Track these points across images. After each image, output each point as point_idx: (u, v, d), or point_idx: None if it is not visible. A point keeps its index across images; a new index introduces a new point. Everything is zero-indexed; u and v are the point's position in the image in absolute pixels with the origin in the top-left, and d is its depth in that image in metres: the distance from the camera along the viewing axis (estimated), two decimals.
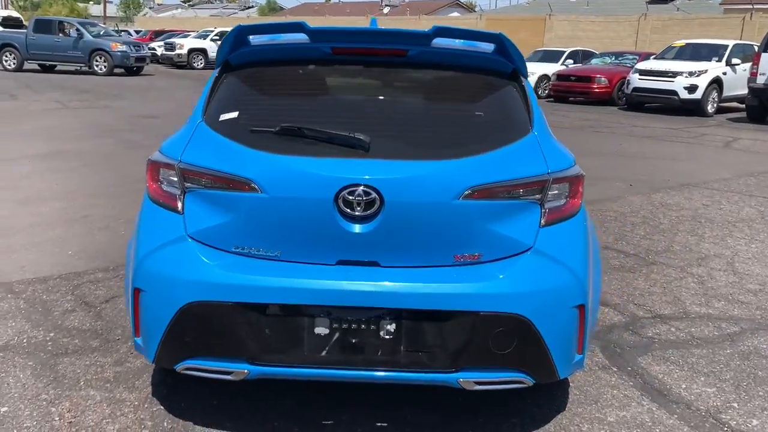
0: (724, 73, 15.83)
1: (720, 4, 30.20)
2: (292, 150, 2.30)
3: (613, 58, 19.83)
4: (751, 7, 27.41)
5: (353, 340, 2.30)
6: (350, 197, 2.22)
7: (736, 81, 15.96)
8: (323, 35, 2.53)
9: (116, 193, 6.21)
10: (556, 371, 2.37)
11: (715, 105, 15.89)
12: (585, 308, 2.39)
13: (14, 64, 22.96)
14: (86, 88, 17.61)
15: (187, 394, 2.79)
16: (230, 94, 2.59)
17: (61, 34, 22.93)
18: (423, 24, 33.25)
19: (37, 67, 23.91)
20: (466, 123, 2.54)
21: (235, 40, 2.58)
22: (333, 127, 2.34)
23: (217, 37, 29.45)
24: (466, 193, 2.25)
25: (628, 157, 9.54)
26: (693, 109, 15.62)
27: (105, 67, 22.76)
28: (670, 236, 5.50)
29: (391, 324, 2.28)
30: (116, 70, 22.99)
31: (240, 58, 2.66)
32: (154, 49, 30.14)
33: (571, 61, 20.50)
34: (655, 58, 17.31)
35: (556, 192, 2.40)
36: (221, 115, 2.50)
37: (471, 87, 2.64)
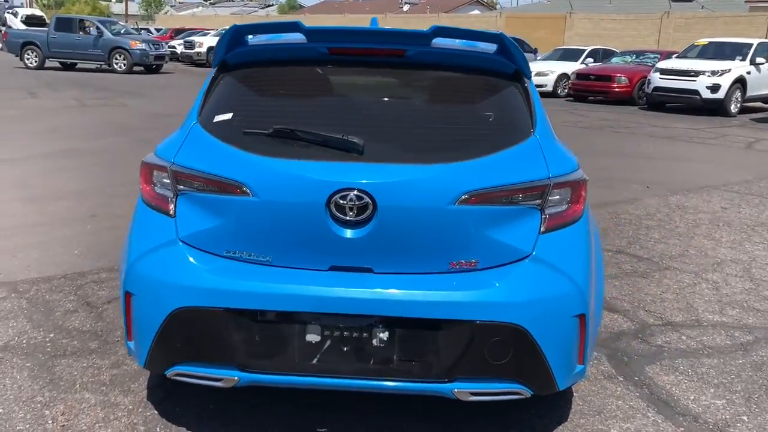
0: (748, 73, 15.49)
1: (745, 1, 29.63)
2: (285, 153, 2.25)
3: (634, 57, 19.49)
4: None
5: (345, 348, 2.24)
6: (342, 202, 2.16)
7: (761, 80, 15.66)
8: (320, 35, 2.47)
9: (126, 192, 6.21)
10: (555, 382, 2.29)
11: (738, 105, 15.55)
12: (586, 317, 2.30)
13: (36, 62, 23.24)
14: (105, 86, 17.75)
15: (183, 398, 2.75)
16: (225, 95, 2.55)
17: (81, 33, 23.17)
18: (442, 22, 33.08)
19: (59, 65, 24.17)
20: (464, 126, 2.46)
21: (232, 40, 2.53)
22: (327, 129, 2.28)
23: None
24: (463, 198, 2.18)
25: (646, 158, 9.36)
26: (715, 109, 15.32)
27: (124, 65, 22.95)
28: (686, 240, 5.36)
29: (384, 332, 2.21)
30: (136, 68, 23.17)
31: (236, 58, 2.61)
32: (174, 47, 30.31)
33: (591, 59, 20.23)
34: (677, 57, 16.98)
35: (557, 197, 2.32)
36: (215, 117, 2.46)
37: (471, 88, 2.57)
